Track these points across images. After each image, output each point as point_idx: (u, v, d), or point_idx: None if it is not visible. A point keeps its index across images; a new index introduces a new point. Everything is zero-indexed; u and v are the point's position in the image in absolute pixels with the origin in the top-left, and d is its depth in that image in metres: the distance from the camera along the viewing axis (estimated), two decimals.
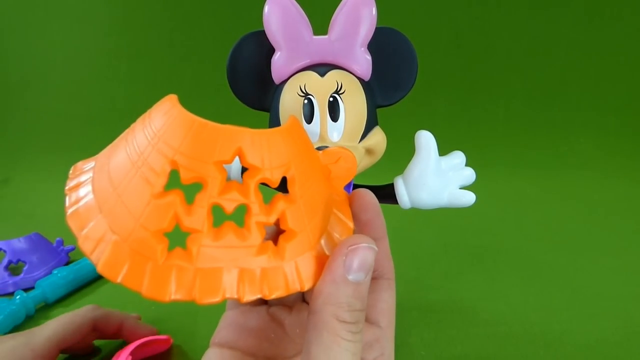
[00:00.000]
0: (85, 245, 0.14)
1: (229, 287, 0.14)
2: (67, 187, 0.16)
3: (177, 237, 0.15)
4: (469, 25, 0.80)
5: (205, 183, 0.14)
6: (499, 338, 0.35)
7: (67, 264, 0.46)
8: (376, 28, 0.24)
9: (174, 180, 0.15)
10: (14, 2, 0.81)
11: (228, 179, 0.17)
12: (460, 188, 0.23)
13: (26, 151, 0.81)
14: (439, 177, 0.23)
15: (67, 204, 0.16)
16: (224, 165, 0.15)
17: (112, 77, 0.83)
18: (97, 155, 0.17)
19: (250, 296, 0.15)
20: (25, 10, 0.82)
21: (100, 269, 0.14)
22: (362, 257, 0.16)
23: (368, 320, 0.21)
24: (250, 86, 0.26)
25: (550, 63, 0.81)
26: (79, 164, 0.18)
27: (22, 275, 0.43)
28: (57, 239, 0.48)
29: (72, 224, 0.15)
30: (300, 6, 0.24)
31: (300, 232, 0.16)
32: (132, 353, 0.28)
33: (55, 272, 0.41)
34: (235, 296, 0.14)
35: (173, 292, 0.14)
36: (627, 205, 0.61)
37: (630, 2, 0.79)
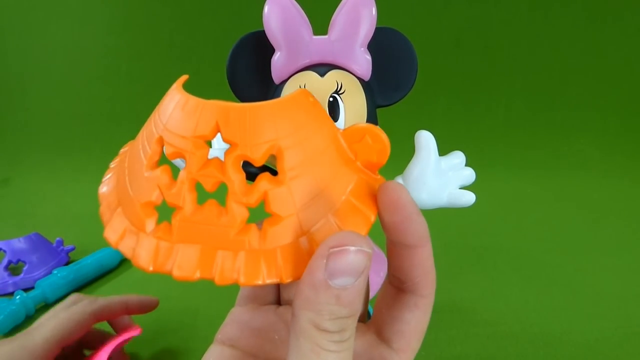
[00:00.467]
0: (103, 213, 0.16)
1: (204, 267, 0.14)
2: (111, 163, 0.18)
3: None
4: (469, 25, 0.80)
5: (186, 159, 0.14)
6: (499, 338, 0.35)
7: (67, 264, 0.46)
8: (376, 28, 0.24)
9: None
10: (14, 2, 0.81)
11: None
12: (460, 188, 0.23)
13: (26, 151, 0.81)
14: (438, 177, 0.23)
15: (103, 180, 0.18)
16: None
17: (112, 77, 0.83)
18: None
19: (222, 280, 0.14)
20: (25, 10, 0.82)
21: (105, 234, 0.15)
22: (348, 261, 0.13)
23: (380, 336, 0.18)
24: (250, 86, 0.26)
25: (550, 63, 0.81)
26: (128, 143, 0.19)
27: (22, 275, 0.43)
28: (57, 239, 0.48)
29: (101, 199, 0.17)
30: (300, 6, 0.24)
31: (287, 218, 0.15)
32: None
33: (55, 272, 0.41)
34: (208, 277, 0.14)
35: (151, 263, 0.14)
36: (627, 205, 0.61)
37: (631, 2, 0.79)
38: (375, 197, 0.16)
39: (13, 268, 0.45)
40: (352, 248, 0.13)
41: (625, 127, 0.80)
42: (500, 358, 0.33)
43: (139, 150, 0.16)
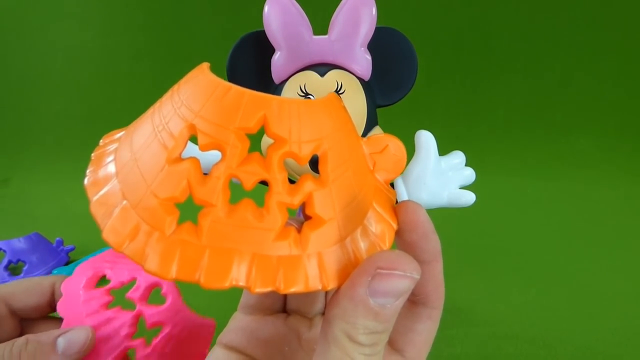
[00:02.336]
0: (95, 210, 0.14)
1: (239, 273, 0.13)
2: (93, 155, 0.16)
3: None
4: (469, 25, 0.80)
5: (223, 152, 0.13)
6: (499, 338, 0.35)
7: (67, 264, 0.46)
8: (376, 28, 0.24)
9: None
10: (14, 2, 0.81)
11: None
12: (460, 188, 0.23)
13: (26, 151, 0.81)
14: (438, 177, 0.23)
15: (87, 172, 0.15)
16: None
17: (112, 77, 0.83)
18: (128, 126, 0.16)
19: (261, 288, 0.13)
20: (25, 10, 0.82)
21: (104, 236, 0.13)
22: (392, 284, 0.13)
23: (392, 345, 0.18)
24: (250, 86, 0.26)
25: (550, 63, 0.81)
26: (111, 132, 0.17)
27: (22, 275, 0.43)
28: (57, 239, 0.48)
29: (90, 191, 0.14)
30: (300, 6, 0.24)
31: (329, 221, 0.14)
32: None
33: (55, 272, 0.42)
34: (243, 284, 0.13)
35: (175, 271, 0.12)
36: (627, 205, 0.61)
37: (631, 3, 0.79)
38: (393, 208, 0.17)
39: (13, 268, 0.45)
40: (399, 273, 0.13)
41: (625, 127, 0.80)
42: (500, 358, 0.33)
43: (154, 137, 0.14)
